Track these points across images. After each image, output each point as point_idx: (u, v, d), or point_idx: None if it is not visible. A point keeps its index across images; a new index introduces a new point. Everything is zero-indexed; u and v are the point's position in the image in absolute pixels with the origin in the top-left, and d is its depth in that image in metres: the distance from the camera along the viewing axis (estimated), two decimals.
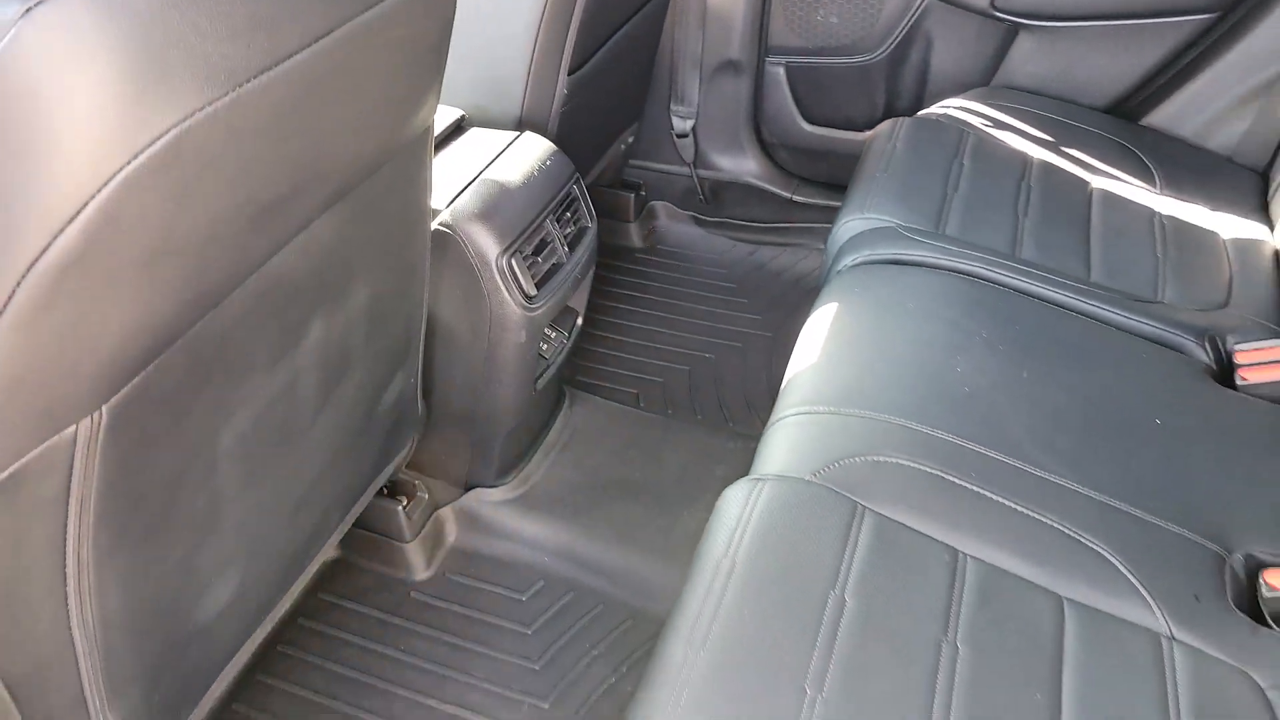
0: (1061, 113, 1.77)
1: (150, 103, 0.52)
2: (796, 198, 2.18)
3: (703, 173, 2.20)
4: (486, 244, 1.23)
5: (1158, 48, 1.75)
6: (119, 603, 0.76)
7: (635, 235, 2.22)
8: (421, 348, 1.26)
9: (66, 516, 0.66)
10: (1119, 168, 1.64)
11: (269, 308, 0.77)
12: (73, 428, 0.63)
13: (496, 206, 1.26)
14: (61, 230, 0.52)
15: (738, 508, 1.01)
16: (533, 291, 1.29)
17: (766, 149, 2.18)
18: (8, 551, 0.64)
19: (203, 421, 0.76)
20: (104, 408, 0.64)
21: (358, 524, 1.47)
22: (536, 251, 1.31)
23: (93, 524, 0.68)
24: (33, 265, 0.52)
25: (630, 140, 2.10)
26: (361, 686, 1.33)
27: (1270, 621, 0.98)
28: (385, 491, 1.45)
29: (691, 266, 2.17)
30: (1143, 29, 1.75)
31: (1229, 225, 1.54)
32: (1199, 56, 1.73)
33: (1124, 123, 1.79)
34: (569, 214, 1.38)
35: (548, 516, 1.52)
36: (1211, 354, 1.29)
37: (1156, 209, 1.56)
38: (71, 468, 0.64)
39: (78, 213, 0.52)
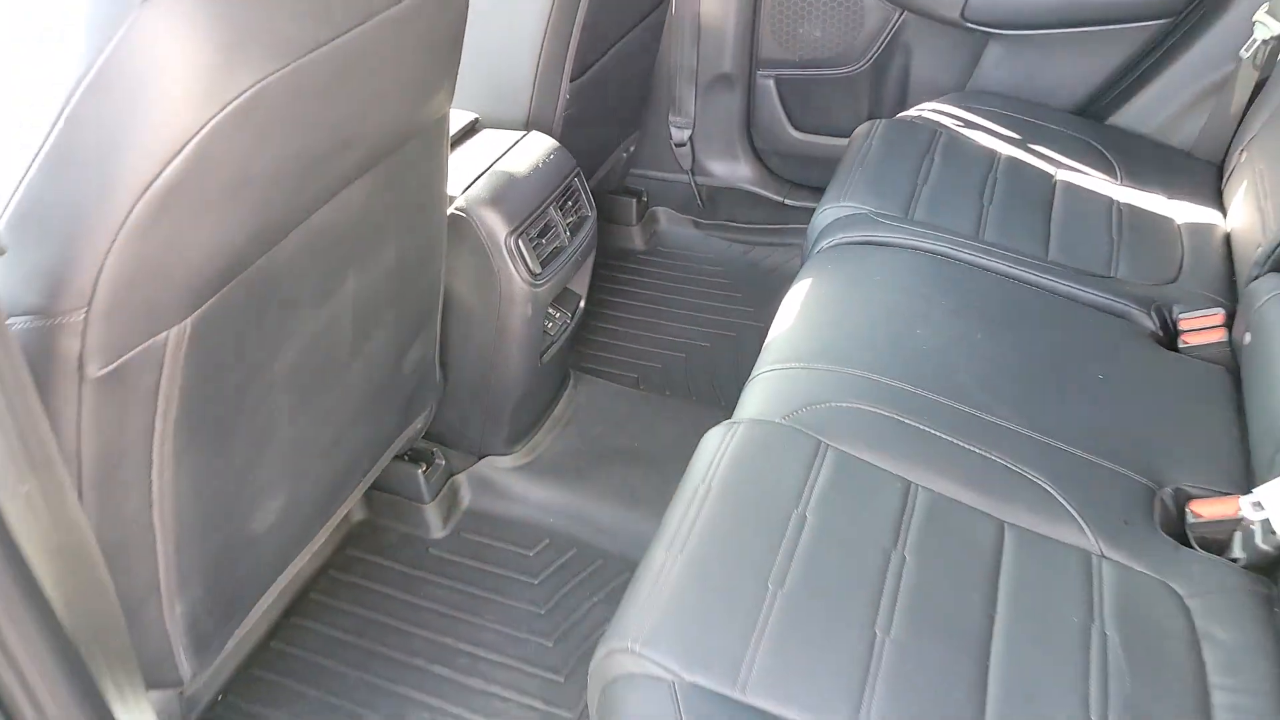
0: (1030, 114, 1.90)
1: (235, 68, 0.68)
2: (788, 201, 2.33)
3: (700, 179, 2.36)
4: (496, 225, 1.39)
5: (1119, 52, 1.89)
6: (190, 500, 0.91)
7: (638, 238, 2.37)
8: (439, 322, 1.41)
9: (155, 411, 0.81)
10: (1082, 162, 1.77)
11: (314, 255, 0.93)
12: (165, 333, 0.77)
13: (505, 193, 1.41)
14: (169, 162, 0.67)
15: (715, 444, 1.14)
16: (537, 270, 1.44)
17: (759, 156, 2.33)
18: (112, 432, 0.79)
19: (261, 347, 0.91)
20: (189, 320, 0.79)
21: (382, 487, 1.62)
22: (541, 234, 1.46)
23: (174, 422, 0.83)
24: (147, 188, 0.67)
25: (631, 149, 2.26)
26: (386, 628, 1.47)
27: (1193, 544, 1.10)
28: (407, 458, 1.60)
29: (690, 266, 2.31)
30: (1104, 35, 1.89)
31: (1184, 211, 1.67)
32: (1158, 60, 1.87)
33: (1090, 122, 1.92)
34: (570, 203, 1.53)
35: (553, 481, 1.66)
36: (1157, 321, 1.42)
37: (1116, 198, 1.68)
38: (162, 368, 0.79)
39: (180, 149, 0.67)
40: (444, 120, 1.14)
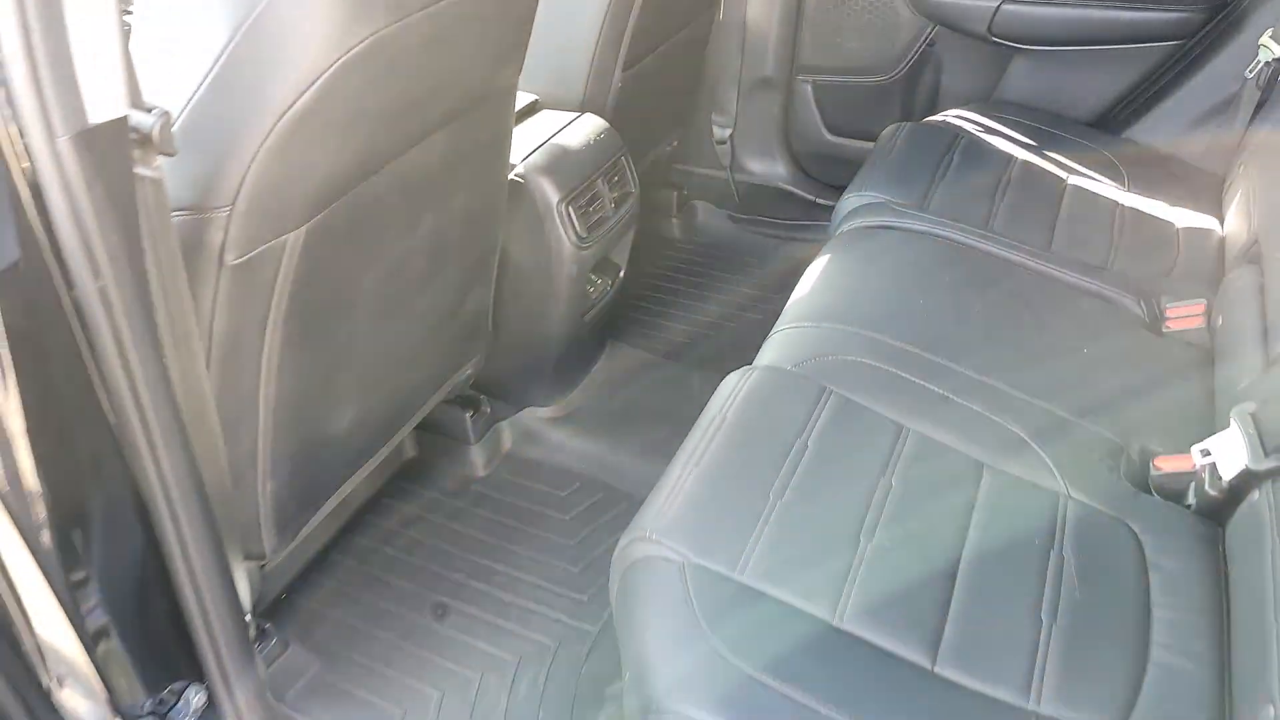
0: (1049, 124, 2.04)
1: (359, 20, 0.86)
2: (820, 200, 2.48)
3: (738, 176, 2.52)
4: (550, 192, 1.56)
5: (1135, 70, 2.03)
6: (288, 390, 1.08)
7: (677, 228, 2.54)
8: (495, 275, 1.59)
9: (270, 303, 0.99)
10: (1093, 169, 1.91)
11: (400, 191, 1.10)
12: (285, 237, 0.95)
13: (559, 164, 1.59)
14: (303, 93, 0.85)
15: (732, 385, 1.30)
16: (584, 234, 1.61)
17: (794, 156, 2.49)
18: (237, 315, 0.97)
19: (352, 265, 1.09)
20: (303, 228, 0.97)
21: (432, 429, 1.80)
22: (589, 203, 1.63)
23: (283, 315, 1.01)
24: (285, 113, 0.86)
25: (675, 144, 2.43)
26: (432, 549, 1.64)
27: (1153, 493, 1.23)
28: (457, 404, 1.77)
29: (723, 255, 2.47)
30: (1122, 53, 2.02)
31: (1184, 218, 1.79)
32: (1171, 78, 2.00)
33: (1104, 134, 2.06)
34: (616, 178, 1.71)
35: (587, 433, 1.83)
36: (1145, 309, 1.55)
37: (1121, 202, 1.82)
38: (279, 266, 0.97)
39: (313, 83, 0.85)
40: (512, 90, 1.32)
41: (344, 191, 1.01)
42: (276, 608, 1.55)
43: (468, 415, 1.76)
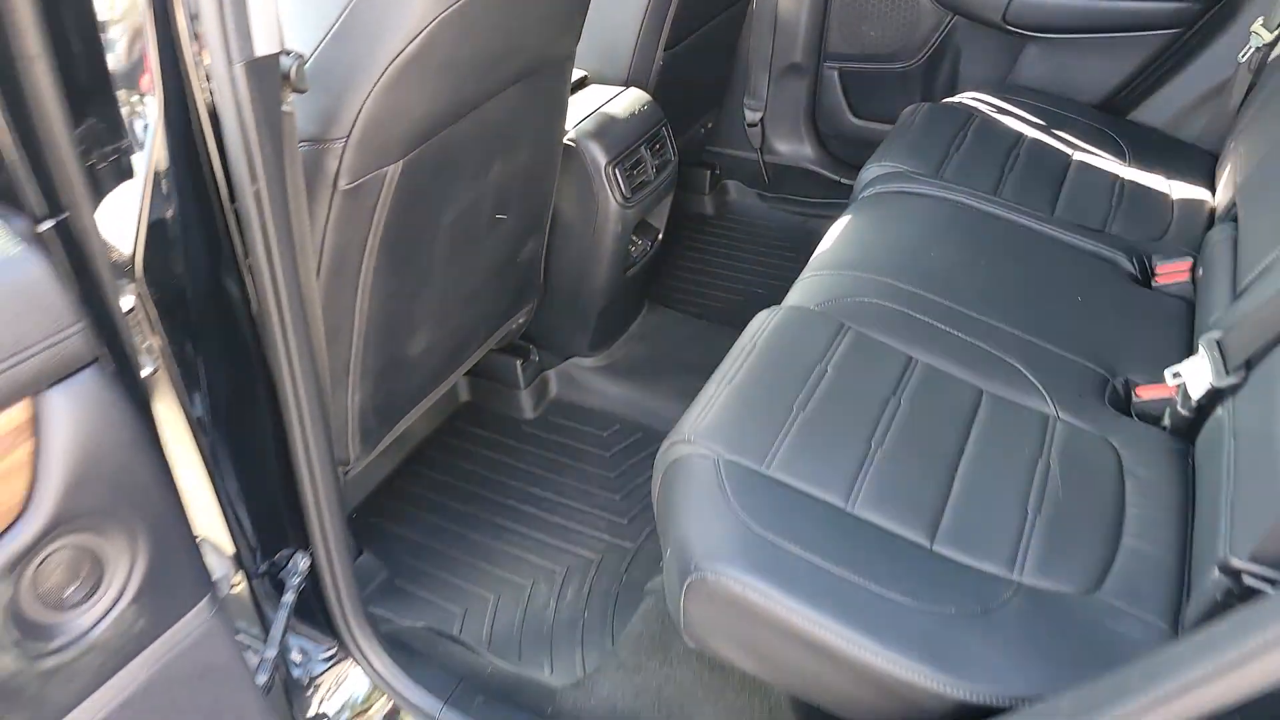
0: (1058, 106, 2.19)
1: None
2: (844, 180, 2.64)
3: (767, 157, 2.69)
4: (598, 155, 1.74)
5: (1138, 55, 2.18)
6: (377, 308, 1.27)
7: (709, 205, 2.71)
8: (548, 231, 1.77)
9: (369, 228, 1.17)
10: (1097, 147, 2.06)
11: (477, 138, 1.28)
12: (386, 168, 1.14)
13: (607, 130, 1.77)
14: (411, 41, 1.03)
15: (761, 321, 1.47)
16: (629, 195, 1.79)
17: (821, 139, 2.65)
18: (344, 234, 1.15)
19: (435, 201, 1.27)
20: (401, 162, 1.15)
21: (485, 375, 1.98)
22: (633, 167, 1.81)
23: (379, 241, 1.19)
24: (395, 57, 1.04)
25: (710, 125, 2.60)
26: (486, 479, 1.82)
27: (1133, 417, 1.39)
28: (508, 352, 1.95)
29: (753, 231, 2.64)
30: (1126, 40, 2.17)
31: (1179, 190, 1.94)
32: (1171, 64, 2.15)
33: (1110, 115, 2.20)
34: (658, 146, 1.88)
35: (626, 381, 2.00)
36: (1137, 266, 1.70)
37: (1121, 175, 1.97)
38: (380, 194, 1.15)
39: (420, 32, 1.03)
40: (570, 59, 1.50)
41: (434, 133, 1.19)
42: (349, 524, 1.74)
43: (518, 363, 1.94)
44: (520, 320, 1.86)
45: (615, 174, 1.76)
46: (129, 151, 0.77)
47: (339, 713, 1.38)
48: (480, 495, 1.80)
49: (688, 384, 2.04)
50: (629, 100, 1.86)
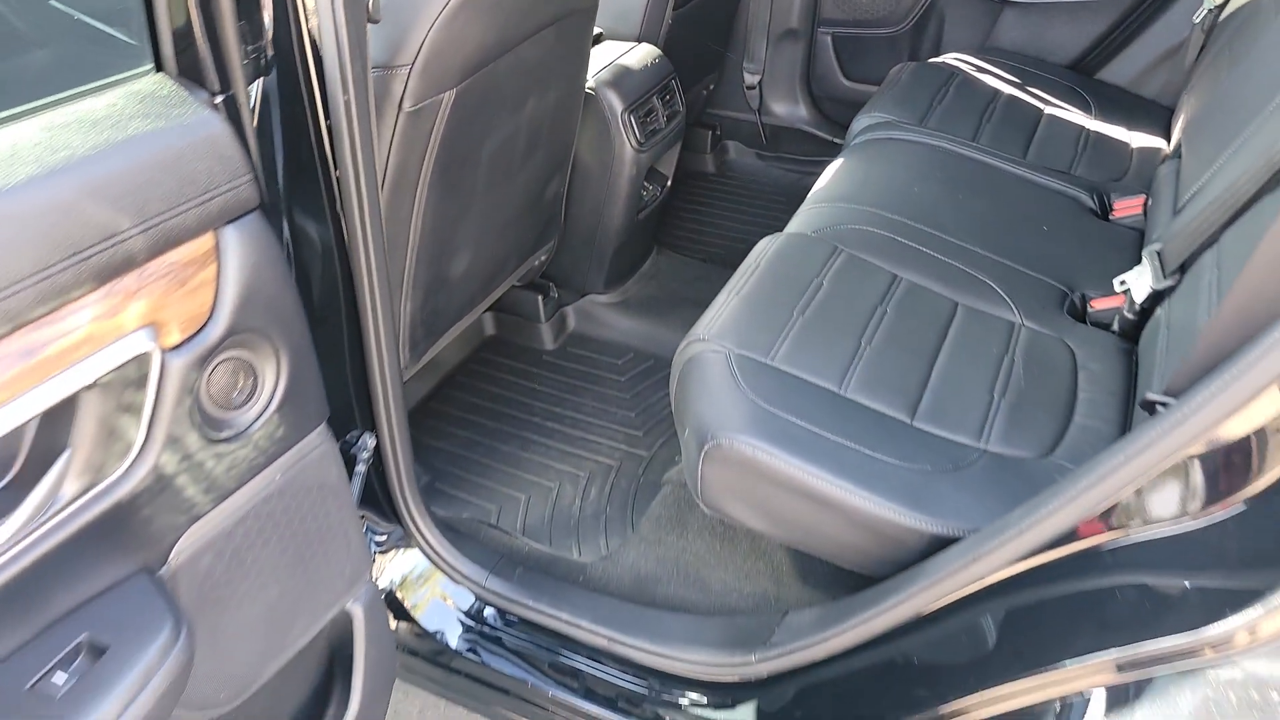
0: (1032, 66, 2.38)
1: None
2: (837, 140, 2.82)
3: (765, 118, 2.87)
4: (615, 102, 1.93)
5: (1105, 19, 2.37)
6: (428, 226, 1.45)
7: (710, 164, 2.89)
8: (569, 172, 1.95)
9: (426, 148, 1.35)
10: (1066, 102, 2.25)
11: (516, 74, 1.47)
12: (443, 94, 1.32)
13: (622, 80, 1.95)
14: None
15: (764, 245, 1.66)
16: (642, 140, 1.98)
17: (815, 101, 2.84)
18: (405, 153, 1.34)
19: (481, 127, 1.45)
20: (455, 89, 1.33)
21: (509, 310, 2.17)
22: (646, 115, 2.00)
23: (432, 162, 1.37)
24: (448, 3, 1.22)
25: (712, 87, 2.79)
26: (512, 400, 2.01)
27: (1088, 324, 1.59)
28: (530, 289, 2.14)
29: (752, 187, 2.83)
30: (1094, 5, 2.36)
31: (1138, 139, 2.14)
32: (1134, 27, 2.34)
33: (1079, 75, 2.40)
34: (668, 97, 2.07)
35: (638, 315, 2.19)
36: (1097, 202, 1.90)
37: (1087, 127, 2.16)
38: (436, 117, 1.33)
39: None
40: (594, 10, 1.69)
41: (483, 65, 1.37)
42: None
43: (539, 298, 2.13)
44: (543, 257, 2.05)
45: (630, 120, 1.95)
46: (265, 51, 0.95)
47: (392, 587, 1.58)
48: (508, 414, 1.99)
49: (694, 317, 2.21)
50: (641, 54, 2.05)
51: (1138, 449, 0.88)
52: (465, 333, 2.15)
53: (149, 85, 0.84)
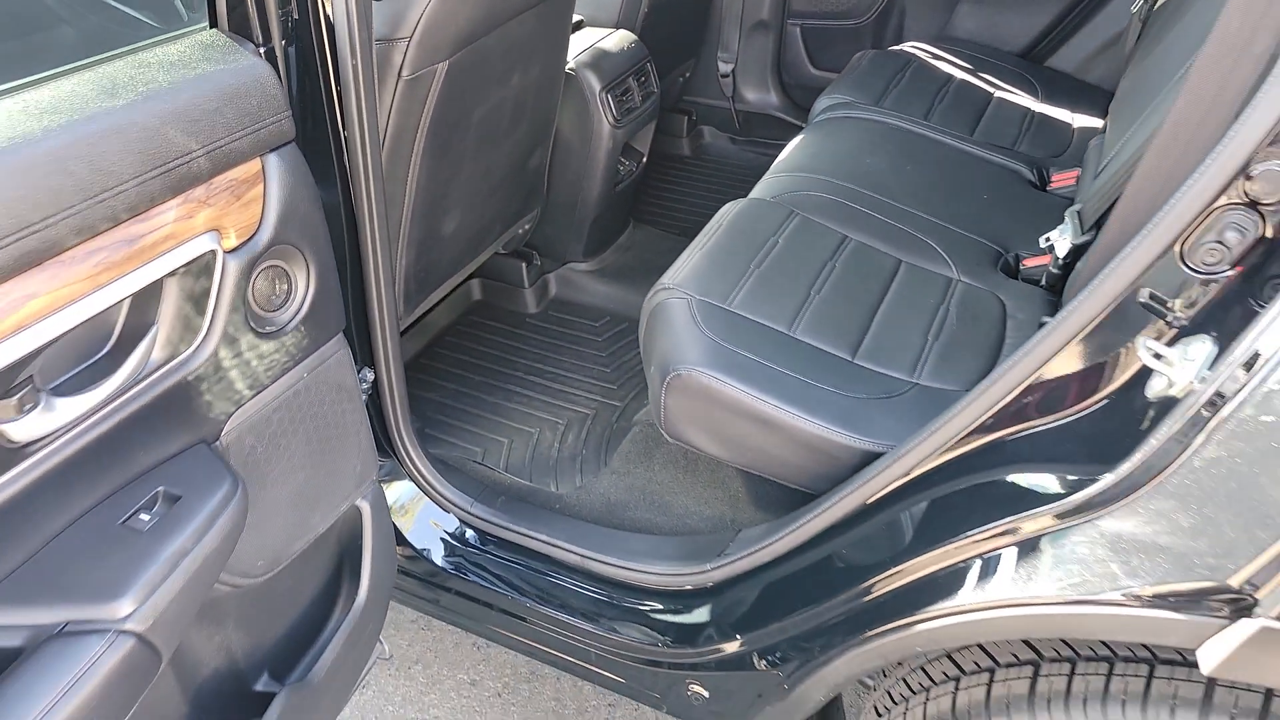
0: (985, 54, 2.55)
1: None
2: (805, 125, 2.99)
3: (738, 105, 3.03)
4: (594, 81, 2.08)
5: (1052, 11, 2.54)
6: (422, 186, 1.61)
7: (686, 147, 3.05)
8: (552, 143, 2.11)
9: (421, 114, 1.50)
10: (1015, 86, 2.42)
11: (504, 49, 1.62)
12: (437, 65, 1.47)
13: (601, 62, 2.11)
14: None
15: (727, 209, 1.82)
16: (619, 117, 2.14)
17: (785, 88, 3.00)
18: (403, 118, 1.49)
19: (470, 98, 1.61)
20: (448, 61, 1.48)
21: (494, 277, 2.32)
22: (622, 95, 2.15)
23: (427, 128, 1.52)
24: None
25: (688, 75, 2.95)
26: (498, 358, 2.16)
27: (1020, 280, 1.75)
28: (515, 256, 2.29)
29: (725, 169, 2.99)
30: None
31: (1080, 120, 2.31)
32: (1080, 18, 2.51)
33: (1028, 62, 2.57)
34: (643, 78, 2.23)
35: (615, 282, 2.35)
36: (1036, 175, 2.07)
37: (1033, 109, 2.33)
38: (430, 86, 1.49)
39: None
40: None
41: (473, 40, 1.53)
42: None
43: (523, 265, 2.29)
44: (526, 225, 2.20)
45: (608, 99, 2.10)
46: (291, 15, 1.11)
47: None
48: (493, 370, 2.14)
49: None
50: (618, 39, 2.21)
51: (1012, 363, 1.05)
52: (454, 297, 2.30)
53: (208, 38, 1.02)
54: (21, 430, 0.85)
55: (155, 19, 1.04)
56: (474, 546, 1.64)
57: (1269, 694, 0.90)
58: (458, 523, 1.65)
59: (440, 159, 1.64)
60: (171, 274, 0.94)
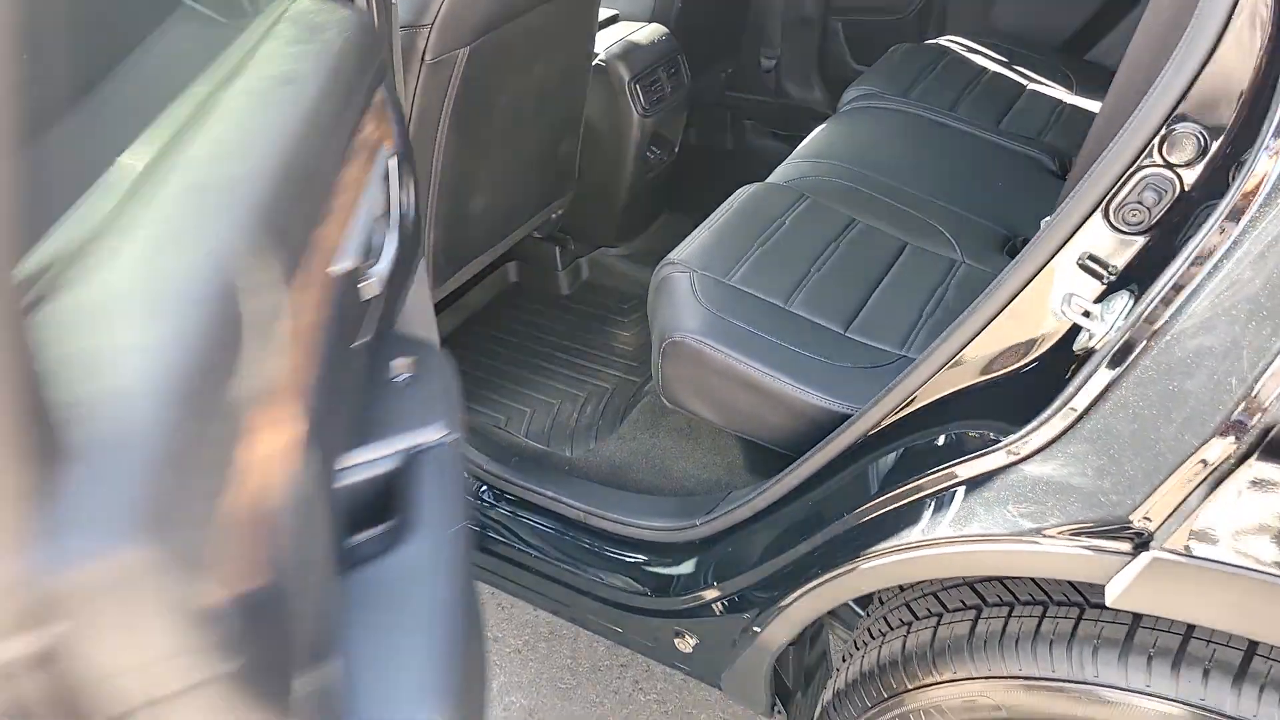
0: (1022, 46, 2.57)
1: None
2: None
3: (780, 100, 3.09)
4: (624, 72, 2.18)
5: (1093, 4, 2.54)
6: (449, 165, 1.73)
7: (730, 142, 3.13)
8: (581, 130, 2.21)
9: (444, 98, 1.63)
10: (1049, 79, 2.43)
11: (525, 39, 1.74)
12: (459, 50, 1.59)
13: (631, 54, 2.21)
14: None
15: (740, 192, 1.90)
16: (648, 107, 2.23)
17: (827, 83, 3.05)
18: (427, 99, 1.61)
19: (493, 84, 1.73)
20: (470, 46, 1.60)
21: (530, 260, 2.44)
22: (650, 85, 2.25)
23: (450, 111, 1.65)
24: None
25: (730, 71, 3.02)
26: (529, 335, 2.28)
27: None
28: (549, 241, 2.41)
29: (766, 164, 3.04)
30: None
31: None
32: (1121, 10, 2.51)
33: (1066, 55, 2.57)
34: (673, 70, 2.32)
35: (645, 268, 2.43)
36: (1058, 164, 2.08)
37: (1065, 101, 2.34)
38: (453, 70, 1.61)
39: None
40: None
41: (493, 27, 1.64)
42: None
43: (556, 249, 2.40)
44: (559, 211, 2.31)
45: (637, 89, 2.20)
46: None
47: None
48: (523, 345, 2.26)
49: None
50: (649, 32, 2.30)
51: (958, 323, 1.11)
52: (491, 279, 2.43)
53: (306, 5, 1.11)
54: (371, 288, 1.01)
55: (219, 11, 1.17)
56: (485, 500, 1.75)
57: (1188, 631, 0.94)
58: (473, 480, 1.77)
59: (464, 141, 1.76)
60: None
